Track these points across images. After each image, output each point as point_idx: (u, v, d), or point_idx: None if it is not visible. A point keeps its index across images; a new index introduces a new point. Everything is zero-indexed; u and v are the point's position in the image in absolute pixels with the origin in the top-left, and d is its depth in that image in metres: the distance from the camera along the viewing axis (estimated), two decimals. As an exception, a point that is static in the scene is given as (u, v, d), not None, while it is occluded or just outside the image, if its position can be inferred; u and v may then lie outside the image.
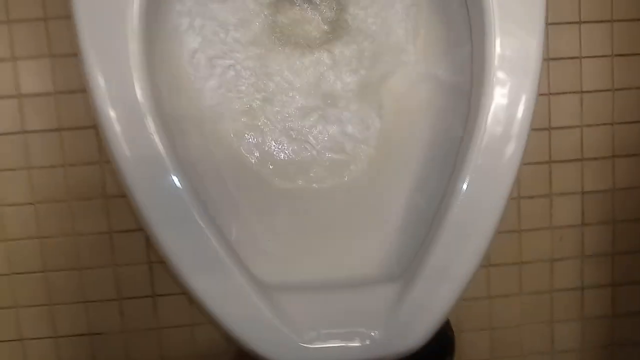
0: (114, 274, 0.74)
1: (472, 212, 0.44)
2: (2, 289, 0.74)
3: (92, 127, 0.72)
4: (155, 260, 0.74)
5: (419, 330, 0.44)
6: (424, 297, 0.44)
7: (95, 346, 0.75)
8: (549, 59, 0.73)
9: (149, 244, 0.74)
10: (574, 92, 0.75)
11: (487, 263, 0.76)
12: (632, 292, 0.78)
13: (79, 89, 0.71)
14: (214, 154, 0.51)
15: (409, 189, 0.50)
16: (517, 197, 0.75)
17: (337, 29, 0.55)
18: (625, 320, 0.78)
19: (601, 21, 0.74)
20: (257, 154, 0.53)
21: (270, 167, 0.52)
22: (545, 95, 0.74)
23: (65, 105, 0.72)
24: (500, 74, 0.43)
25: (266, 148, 0.53)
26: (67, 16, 0.69)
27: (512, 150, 0.44)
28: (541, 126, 0.74)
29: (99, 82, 0.43)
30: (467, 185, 0.43)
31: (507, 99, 0.44)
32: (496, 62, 0.43)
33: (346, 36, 0.54)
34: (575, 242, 0.76)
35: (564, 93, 0.75)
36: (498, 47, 0.43)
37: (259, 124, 0.53)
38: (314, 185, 0.52)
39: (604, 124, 0.75)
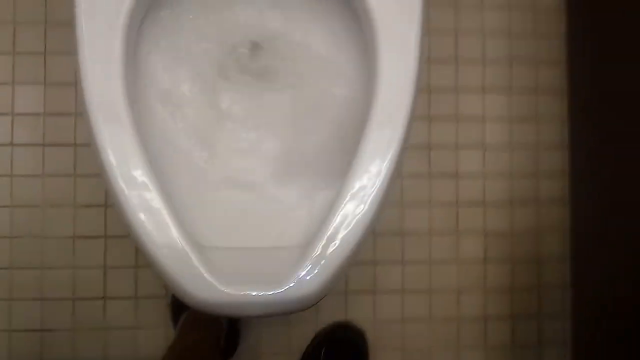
0: (72, 274, 0.84)
1: (359, 197, 0.57)
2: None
3: (71, 144, 0.85)
4: (109, 265, 0.84)
5: (313, 284, 0.55)
6: (318, 259, 0.56)
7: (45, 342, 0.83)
8: (457, 120, 0.90)
9: (106, 250, 0.84)
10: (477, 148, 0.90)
11: (401, 289, 0.87)
12: (529, 325, 0.89)
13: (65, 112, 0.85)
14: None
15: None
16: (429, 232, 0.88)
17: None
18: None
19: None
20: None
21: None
22: (453, 149, 0.89)
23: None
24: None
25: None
26: (64, 52, 0.84)
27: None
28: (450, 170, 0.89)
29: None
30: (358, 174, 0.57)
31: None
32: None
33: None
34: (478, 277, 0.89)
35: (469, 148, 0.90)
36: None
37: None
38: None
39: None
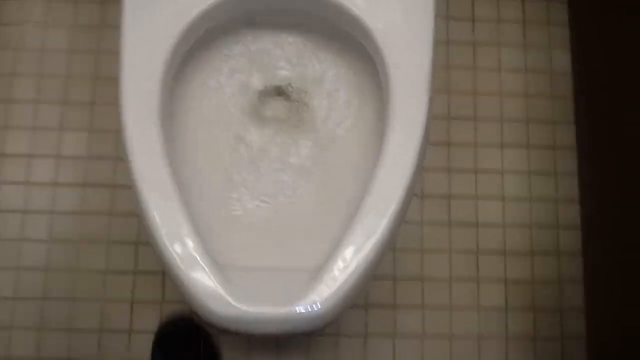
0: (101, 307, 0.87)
1: (366, 228, 0.60)
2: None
3: (110, 185, 0.91)
4: (136, 300, 0.87)
5: (326, 305, 0.57)
6: (330, 281, 0.58)
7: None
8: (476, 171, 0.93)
9: (134, 285, 0.88)
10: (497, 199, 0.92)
11: (422, 335, 0.87)
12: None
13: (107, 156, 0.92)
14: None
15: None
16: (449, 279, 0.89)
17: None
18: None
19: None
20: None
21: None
22: (473, 199, 0.92)
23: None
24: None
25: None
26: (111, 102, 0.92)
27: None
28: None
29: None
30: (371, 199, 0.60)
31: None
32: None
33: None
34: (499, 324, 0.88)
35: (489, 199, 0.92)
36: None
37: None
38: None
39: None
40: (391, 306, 0.88)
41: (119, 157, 0.91)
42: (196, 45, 0.70)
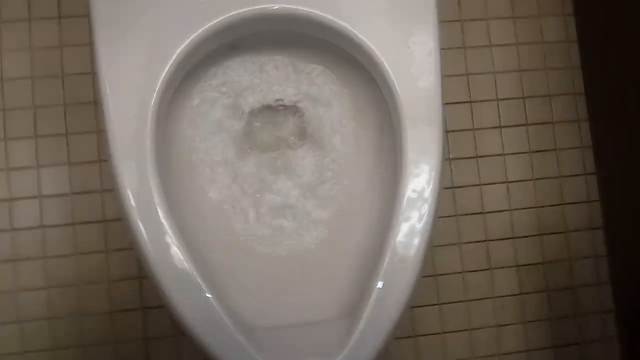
0: (114, 350, 0.84)
1: (397, 270, 0.58)
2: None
3: (101, 221, 0.86)
4: (149, 337, 0.85)
5: (363, 356, 0.56)
6: (365, 331, 0.56)
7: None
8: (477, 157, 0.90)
9: (144, 321, 0.85)
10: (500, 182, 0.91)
11: (441, 330, 0.87)
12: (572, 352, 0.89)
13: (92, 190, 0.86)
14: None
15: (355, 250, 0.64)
16: (462, 272, 0.88)
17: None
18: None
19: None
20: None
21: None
22: (477, 186, 0.90)
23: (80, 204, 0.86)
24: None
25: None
26: (85, 131, 0.86)
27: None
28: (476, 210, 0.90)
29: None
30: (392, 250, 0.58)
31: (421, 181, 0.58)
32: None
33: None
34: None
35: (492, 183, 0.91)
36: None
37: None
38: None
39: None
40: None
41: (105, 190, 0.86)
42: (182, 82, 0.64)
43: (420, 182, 0.58)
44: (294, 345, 0.58)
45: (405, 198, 0.58)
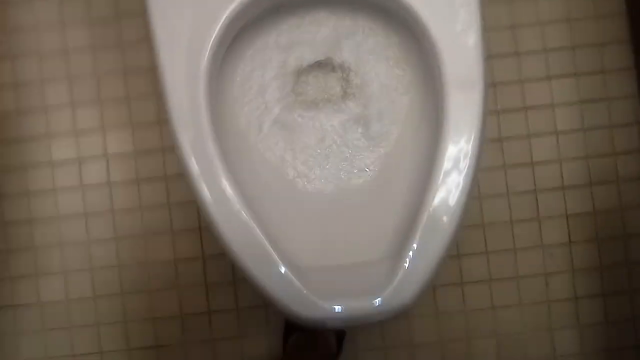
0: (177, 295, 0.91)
1: (439, 216, 0.60)
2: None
3: (163, 177, 0.92)
4: (209, 282, 0.91)
5: (406, 294, 0.59)
6: (409, 269, 0.59)
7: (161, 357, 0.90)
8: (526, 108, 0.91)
9: (205, 268, 0.91)
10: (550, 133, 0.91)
11: (489, 278, 0.89)
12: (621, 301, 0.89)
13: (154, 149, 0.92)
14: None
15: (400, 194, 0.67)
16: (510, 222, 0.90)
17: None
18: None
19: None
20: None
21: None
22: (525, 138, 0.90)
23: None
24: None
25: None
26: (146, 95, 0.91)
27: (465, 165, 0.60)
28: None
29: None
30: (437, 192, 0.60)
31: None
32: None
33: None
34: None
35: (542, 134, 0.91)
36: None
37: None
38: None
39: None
40: (455, 256, 0.90)
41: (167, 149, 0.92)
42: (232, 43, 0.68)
43: (462, 136, 0.60)
44: (342, 283, 0.62)
45: (448, 149, 0.60)
